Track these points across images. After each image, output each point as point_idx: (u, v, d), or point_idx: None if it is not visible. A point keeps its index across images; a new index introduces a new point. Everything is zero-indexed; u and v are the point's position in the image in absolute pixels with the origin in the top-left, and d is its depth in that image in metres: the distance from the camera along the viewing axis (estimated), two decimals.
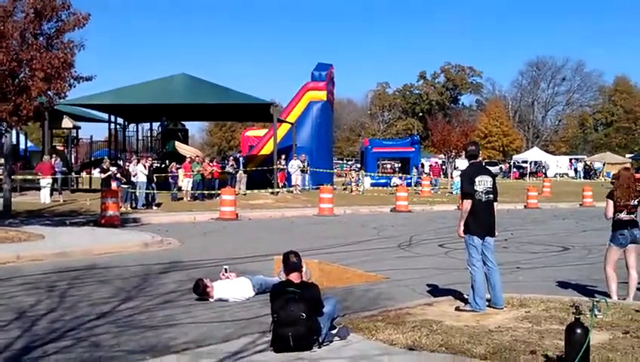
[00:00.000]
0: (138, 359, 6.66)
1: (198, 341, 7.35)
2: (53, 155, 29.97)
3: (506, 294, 9.39)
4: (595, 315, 6.08)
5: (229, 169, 32.87)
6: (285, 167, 34.41)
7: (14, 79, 15.11)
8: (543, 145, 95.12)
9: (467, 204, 8.59)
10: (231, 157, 37.14)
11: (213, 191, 28.89)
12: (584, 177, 67.73)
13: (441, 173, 47.51)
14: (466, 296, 8.82)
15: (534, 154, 78.06)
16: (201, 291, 9.49)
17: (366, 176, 41.60)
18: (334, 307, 7.37)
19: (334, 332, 7.20)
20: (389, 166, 53.95)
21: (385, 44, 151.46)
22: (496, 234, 8.89)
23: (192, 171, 29.31)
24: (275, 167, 32.79)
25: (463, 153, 9.12)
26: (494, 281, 8.61)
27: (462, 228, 8.64)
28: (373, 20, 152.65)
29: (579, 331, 5.74)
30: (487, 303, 8.56)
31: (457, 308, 8.61)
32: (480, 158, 9.24)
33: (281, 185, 33.37)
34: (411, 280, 11.28)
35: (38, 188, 27.14)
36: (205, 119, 70.47)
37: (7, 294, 9.90)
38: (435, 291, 10.25)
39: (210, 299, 9.50)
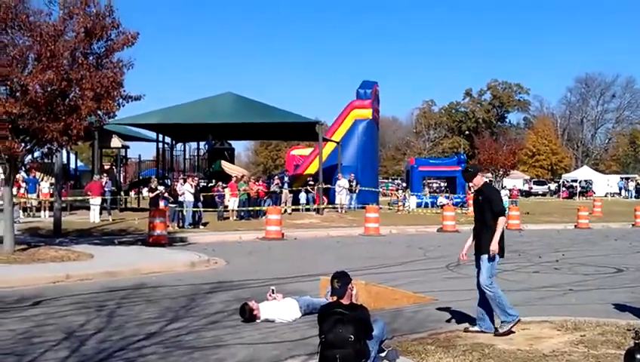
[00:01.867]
0: None
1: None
2: (103, 175, 30.48)
3: (560, 317, 9.16)
4: None
5: (274, 188, 32.95)
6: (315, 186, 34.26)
7: (64, 99, 15.30)
8: (593, 163, 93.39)
9: (505, 220, 8.65)
10: (276, 177, 37.26)
11: (258, 208, 29.00)
12: (635, 196, 66.13)
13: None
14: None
15: (584, 172, 76.62)
16: (248, 316, 9.42)
17: (412, 195, 41.29)
18: (383, 329, 7.23)
19: (383, 355, 7.07)
20: (435, 185, 53.43)
21: (430, 61, 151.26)
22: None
23: (238, 190, 29.46)
24: (316, 186, 32.84)
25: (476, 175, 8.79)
26: (484, 303, 8.63)
27: (497, 246, 8.49)
28: (418, 37, 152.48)
29: (638, 356, 5.52)
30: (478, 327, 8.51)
31: (496, 332, 8.41)
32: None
33: (315, 206, 33.25)
34: (461, 301, 11.03)
35: (88, 208, 27.60)
36: (251, 138, 71.02)
37: (57, 314, 9.99)
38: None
39: (257, 321, 9.43)
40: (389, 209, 38.31)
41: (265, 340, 8.43)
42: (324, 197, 33.50)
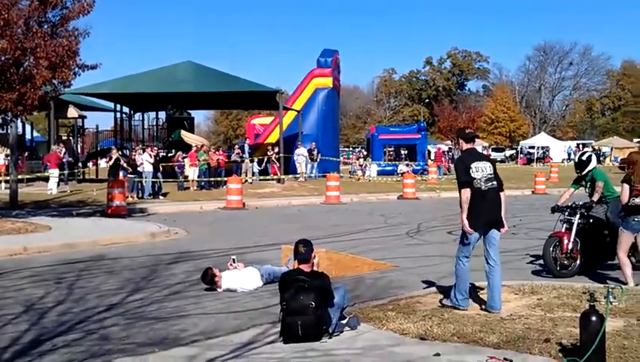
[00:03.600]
0: (148, 351, 6.59)
1: (208, 332, 7.30)
2: (60, 145, 29.93)
3: (517, 281, 9.34)
4: (611, 302, 5.97)
5: (234, 157, 32.78)
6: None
7: (19, 68, 15.00)
8: (550, 130, 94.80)
9: (465, 193, 7.72)
10: (237, 146, 37.05)
11: (219, 179, 28.86)
12: None
13: (445, 159, 47.00)
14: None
15: (541, 139, 77.75)
16: (209, 280, 9.43)
17: (373, 163, 41.46)
18: (344, 296, 7.30)
19: (344, 322, 7.14)
20: (394, 153, 53.81)
21: (391, 29, 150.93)
22: (505, 227, 8.06)
23: (198, 160, 29.22)
24: (270, 155, 32.86)
25: (458, 139, 8.06)
26: (494, 282, 7.82)
27: (465, 221, 7.73)
28: (378, 6, 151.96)
29: (594, 318, 5.65)
30: (482, 306, 7.94)
31: (441, 301, 8.15)
32: (472, 145, 8.22)
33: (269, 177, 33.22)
34: (421, 268, 11.21)
35: (45, 179, 27.15)
36: (211, 107, 70.38)
37: (15, 286, 9.88)
38: (446, 278, 10.12)
39: (219, 289, 9.44)
40: (350, 177, 38.43)
41: (227, 309, 8.44)
42: (276, 166, 33.37)
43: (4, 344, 6.89)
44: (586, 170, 10.86)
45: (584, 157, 11.09)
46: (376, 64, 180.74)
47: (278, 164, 33.26)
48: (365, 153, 48.64)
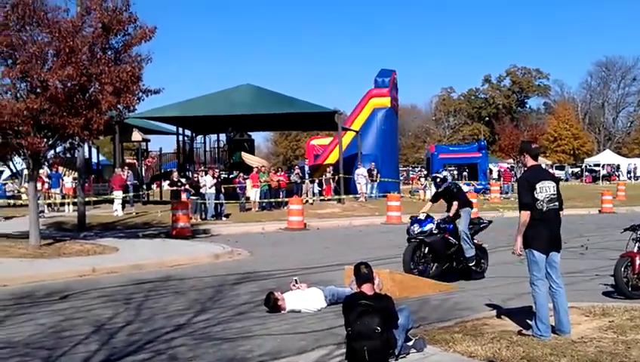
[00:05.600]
0: None
1: (274, 353, 7.33)
2: (125, 168, 30.67)
3: (587, 303, 9.10)
4: None
5: (294, 178, 32.97)
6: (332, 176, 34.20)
7: (85, 94, 15.37)
8: (616, 147, 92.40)
9: (525, 215, 7.53)
10: (296, 167, 37.26)
11: (280, 200, 29.06)
12: None
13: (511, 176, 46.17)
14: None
15: (607, 157, 75.83)
16: (272, 304, 9.47)
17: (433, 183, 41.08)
18: (408, 318, 7.23)
19: (410, 344, 7.08)
20: (456, 172, 53.24)
21: (448, 48, 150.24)
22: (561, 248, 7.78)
23: (260, 181, 29.51)
24: (329, 176, 32.84)
25: (522, 153, 7.60)
26: (559, 304, 7.58)
27: (519, 243, 7.57)
28: (436, 25, 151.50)
29: None
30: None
31: (520, 332, 7.70)
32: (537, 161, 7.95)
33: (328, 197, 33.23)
34: (486, 289, 11.04)
35: (111, 201, 27.82)
36: (270, 129, 70.96)
37: (85, 307, 10.11)
38: (513, 300, 9.95)
39: (283, 311, 9.47)
40: (410, 197, 38.15)
41: (292, 330, 8.46)
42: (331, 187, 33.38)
43: None
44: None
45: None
46: (434, 83, 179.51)
47: (333, 185, 33.32)
48: (425, 172, 48.25)
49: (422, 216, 12.38)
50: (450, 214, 12.42)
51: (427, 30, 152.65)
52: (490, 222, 13.52)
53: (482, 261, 12.65)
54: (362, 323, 6.66)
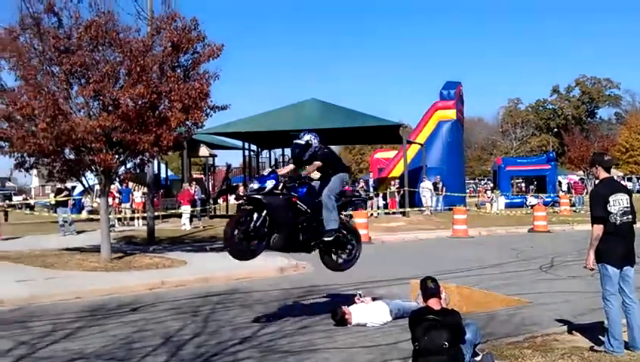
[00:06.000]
0: None
1: None
2: (193, 183, 31.23)
3: None
4: None
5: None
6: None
7: (154, 111, 15.72)
8: None
9: (598, 230, 7.37)
10: (361, 180, 37.19)
11: (345, 213, 29.01)
12: None
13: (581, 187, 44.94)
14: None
15: None
16: (339, 318, 9.45)
17: (500, 195, 40.44)
18: (476, 333, 7.12)
19: (478, 359, 6.97)
20: (523, 185, 52.23)
21: (515, 59, 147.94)
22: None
23: None
24: (393, 189, 32.62)
25: (594, 165, 7.33)
26: (633, 320, 7.39)
27: (591, 258, 7.41)
28: (501, 36, 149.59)
29: None
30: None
31: (592, 349, 7.52)
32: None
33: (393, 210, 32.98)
34: (556, 304, 10.75)
35: (179, 216, 28.34)
36: (335, 143, 70.57)
37: (155, 319, 10.32)
38: (584, 315, 9.67)
39: (349, 325, 9.45)
40: (477, 210, 37.64)
41: (358, 344, 8.44)
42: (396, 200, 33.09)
43: None
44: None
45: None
46: (501, 95, 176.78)
47: (398, 198, 33.10)
48: (492, 185, 47.48)
49: (266, 172, 9.88)
50: (306, 173, 9.96)
51: (493, 41, 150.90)
52: (367, 198, 11.84)
53: (350, 245, 10.44)
54: (429, 338, 6.57)
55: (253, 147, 41.84)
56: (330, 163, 10.08)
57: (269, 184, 9.24)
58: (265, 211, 9.10)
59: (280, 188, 9.32)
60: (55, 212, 25.77)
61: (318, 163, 9.87)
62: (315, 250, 10.25)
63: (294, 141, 10.23)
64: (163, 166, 39.59)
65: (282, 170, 9.95)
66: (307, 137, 10.08)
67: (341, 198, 10.16)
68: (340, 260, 10.49)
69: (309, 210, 9.66)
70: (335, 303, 10.04)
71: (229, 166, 36.88)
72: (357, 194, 11.63)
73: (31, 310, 11.14)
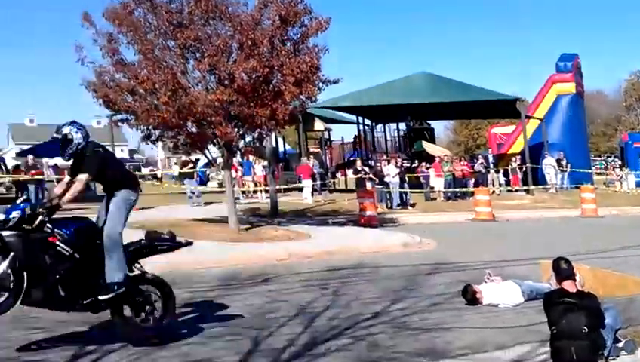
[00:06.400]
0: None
1: (473, 347, 7.27)
2: (311, 157, 31.64)
3: None
4: None
5: (478, 168, 32.33)
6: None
7: (268, 85, 15.95)
8: None
9: None
10: (480, 156, 36.51)
11: (465, 190, 28.68)
12: None
13: None
14: None
15: None
16: (470, 297, 9.39)
17: (630, 173, 38.54)
18: (616, 318, 6.89)
19: (620, 345, 6.74)
20: None
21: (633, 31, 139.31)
22: None
23: (443, 171, 29.27)
24: (515, 166, 31.79)
25: None
26: None
27: None
28: (618, 6, 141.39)
29: None
30: None
31: None
32: None
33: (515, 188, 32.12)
34: None
35: (299, 189, 28.84)
36: (449, 118, 69.78)
37: (287, 291, 10.58)
38: None
39: (479, 304, 9.37)
40: (605, 189, 36.05)
41: (490, 324, 8.35)
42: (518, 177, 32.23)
43: (282, 345, 7.39)
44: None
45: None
46: (622, 66, 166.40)
47: (520, 175, 32.30)
48: (620, 163, 45.29)
49: (20, 200, 7.32)
50: (63, 196, 7.11)
51: (608, 10, 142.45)
52: (187, 243, 8.17)
53: (150, 304, 7.45)
54: (567, 322, 6.40)
55: (367, 121, 41.79)
56: (91, 168, 7.23)
57: (15, 215, 6.70)
58: (12, 253, 6.55)
59: (39, 221, 6.74)
60: (183, 183, 26.78)
61: (83, 177, 7.17)
62: (102, 311, 7.38)
63: (53, 135, 7.53)
64: (280, 140, 40.27)
65: (57, 189, 7.53)
66: (66, 129, 7.26)
67: (141, 241, 7.65)
68: (141, 323, 7.46)
69: (76, 255, 6.91)
70: (463, 282, 9.94)
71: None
72: (164, 236, 7.84)
73: (169, 278, 11.62)
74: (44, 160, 27.84)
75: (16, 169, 27.08)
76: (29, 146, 39.82)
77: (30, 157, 25.39)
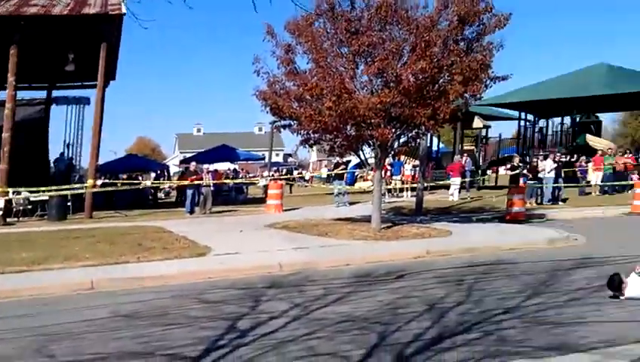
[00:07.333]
0: (544, 355, 6.49)
1: (608, 341, 6.90)
2: (464, 155, 31.17)
3: None
4: None
5: None
6: None
7: (434, 85, 15.82)
8: None
9: None
10: None
11: (624, 183, 27.06)
12: None
13: None
14: None
15: None
16: (616, 286, 8.91)
17: None
18: None
19: None
20: None
21: None
22: None
23: (603, 164, 27.82)
24: None
25: None
26: None
27: None
28: None
29: None
30: None
31: None
32: None
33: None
34: None
35: (447, 187, 28.48)
36: (623, 109, 66.01)
37: (419, 287, 10.51)
38: None
39: (621, 297, 8.85)
40: None
41: (630, 318, 7.89)
42: None
43: (409, 339, 7.35)
44: None
45: None
46: None
47: None
48: None
49: None
50: None
51: None
52: None
53: None
54: None
55: (530, 117, 40.52)
56: None
57: None
58: None
59: None
60: (331, 184, 27.31)
61: None
62: None
63: None
64: (435, 139, 39.94)
65: None
66: None
67: None
68: None
69: None
70: (614, 273, 9.39)
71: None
72: None
73: (306, 275, 11.94)
74: (205, 166, 29.28)
75: (183, 175, 28.70)
76: (192, 154, 42.25)
77: (193, 164, 26.79)
